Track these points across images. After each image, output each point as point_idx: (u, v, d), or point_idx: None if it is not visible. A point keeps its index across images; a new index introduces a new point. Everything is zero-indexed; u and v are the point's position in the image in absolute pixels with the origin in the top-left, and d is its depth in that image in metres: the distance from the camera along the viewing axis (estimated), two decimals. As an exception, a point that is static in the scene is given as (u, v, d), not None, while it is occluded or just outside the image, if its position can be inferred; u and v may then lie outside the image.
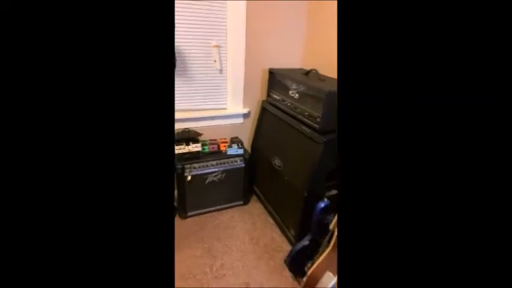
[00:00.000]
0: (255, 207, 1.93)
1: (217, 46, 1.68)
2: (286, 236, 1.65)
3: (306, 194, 1.38)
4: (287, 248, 1.59)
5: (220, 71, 1.76)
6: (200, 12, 1.56)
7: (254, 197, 2.01)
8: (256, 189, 1.98)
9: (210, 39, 1.65)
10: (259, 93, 1.91)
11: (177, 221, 1.75)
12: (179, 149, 1.64)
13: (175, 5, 1.49)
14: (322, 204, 1.16)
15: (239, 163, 1.77)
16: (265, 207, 1.89)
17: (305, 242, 1.23)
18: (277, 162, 1.66)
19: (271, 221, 1.80)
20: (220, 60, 1.72)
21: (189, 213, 1.77)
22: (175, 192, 1.74)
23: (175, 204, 1.77)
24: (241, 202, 1.91)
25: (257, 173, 1.93)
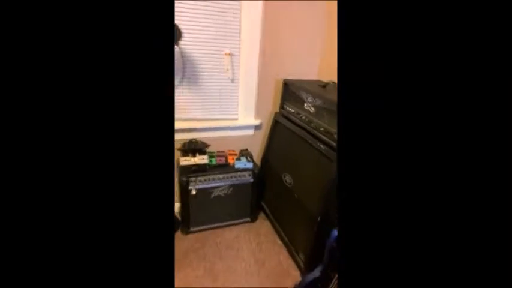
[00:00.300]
0: (262, 225, 1.81)
1: (230, 54, 1.61)
2: (295, 260, 1.51)
3: (319, 219, 1.25)
4: (294, 273, 1.46)
5: (232, 80, 1.68)
6: (213, 17, 1.50)
7: (262, 214, 1.88)
8: (264, 205, 1.87)
9: (223, 47, 1.58)
10: (272, 104, 1.82)
11: (179, 236, 1.65)
12: (185, 161, 1.55)
13: (189, 8, 1.44)
14: (337, 232, 1.04)
15: (247, 178, 1.66)
16: (273, 226, 1.76)
17: (316, 273, 1.09)
18: (288, 179, 1.55)
19: (279, 241, 1.67)
20: (233, 69, 1.65)
21: (192, 229, 1.66)
22: (178, 205, 1.65)
23: (179, 218, 1.68)
24: (248, 219, 1.79)
25: (266, 189, 1.82)
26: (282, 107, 1.71)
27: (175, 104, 1.61)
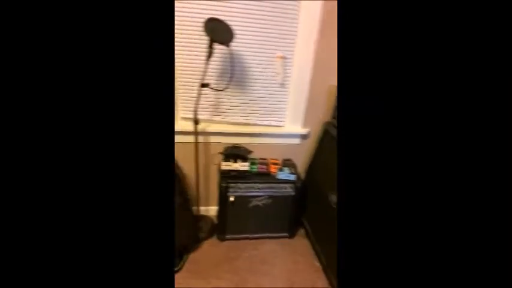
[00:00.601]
0: (300, 243, 1.67)
1: (283, 57, 1.50)
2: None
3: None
4: (333, 305, 1.30)
5: (282, 84, 1.58)
6: (268, 17, 1.42)
7: (301, 231, 1.75)
8: (305, 222, 1.72)
9: (275, 49, 1.49)
10: (323, 113, 1.67)
11: (214, 242, 1.62)
12: (226, 166, 1.50)
13: (243, 8, 1.37)
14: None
15: (289, 190, 1.54)
16: (313, 246, 1.61)
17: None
18: (333, 198, 1.39)
19: (317, 264, 1.52)
20: (284, 73, 1.55)
21: (228, 236, 1.61)
22: (216, 209, 1.61)
23: (216, 222, 1.65)
24: (286, 234, 1.68)
25: (308, 205, 1.68)
26: (334, 117, 1.55)
27: (220, 106, 1.57)
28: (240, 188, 1.50)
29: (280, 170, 1.57)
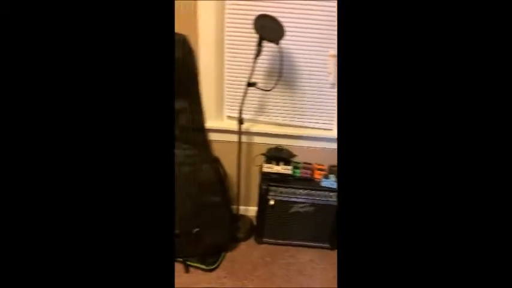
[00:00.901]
0: (342, 256, 1.55)
1: (336, 56, 1.39)
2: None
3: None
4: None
5: (334, 85, 1.47)
6: (321, 13, 1.32)
7: (344, 243, 1.62)
8: (349, 234, 1.60)
9: (328, 47, 1.38)
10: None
11: (251, 244, 1.59)
12: (267, 168, 1.46)
13: (295, 4, 1.30)
14: None
15: (333, 199, 1.44)
16: (356, 262, 1.48)
17: None
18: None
19: (360, 282, 1.39)
20: (337, 72, 1.43)
21: (265, 240, 1.57)
22: (256, 210, 1.58)
23: (254, 223, 1.62)
24: (327, 245, 1.57)
25: (354, 216, 1.55)
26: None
27: (265, 106, 1.52)
28: (281, 192, 1.45)
29: (326, 177, 1.46)
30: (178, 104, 1.36)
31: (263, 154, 1.51)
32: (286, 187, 1.44)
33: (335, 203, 1.45)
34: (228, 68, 1.46)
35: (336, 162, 1.61)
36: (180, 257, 1.41)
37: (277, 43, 1.25)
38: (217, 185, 1.41)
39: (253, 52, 1.25)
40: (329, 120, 1.56)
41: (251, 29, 1.20)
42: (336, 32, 1.35)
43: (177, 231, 1.39)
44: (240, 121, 1.40)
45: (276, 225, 1.53)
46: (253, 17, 1.18)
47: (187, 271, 1.38)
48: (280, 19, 1.22)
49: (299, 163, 1.55)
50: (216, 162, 1.45)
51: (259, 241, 1.58)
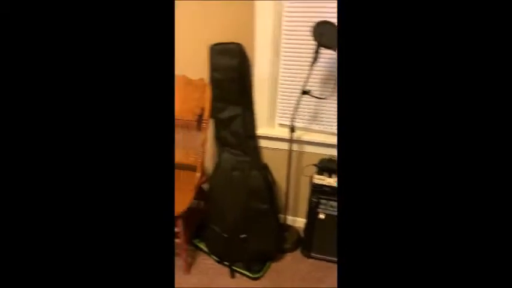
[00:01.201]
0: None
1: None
2: None
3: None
4: None
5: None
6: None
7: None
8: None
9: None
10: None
11: (298, 257, 1.53)
12: (318, 179, 1.39)
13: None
14: None
15: (392, 219, 1.29)
16: None
17: None
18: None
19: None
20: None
21: (313, 254, 1.50)
22: (304, 222, 1.52)
23: (302, 235, 1.56)
24: (382, 268, 1.42)
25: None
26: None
27: (319, 114, 1.46)
28: (332, 206, 1.36)
29: (384, 193, 1.33)
30: (232, 111, 1.40)
31: (315, 165, 1.45)
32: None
33: (394, 224, 1.30)
34: (283, 75, 1.44)
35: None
36: (227, 261, 1.43)
37: (335, 49, 1.19)
38: (266, 192, 1.40)
39: (310, 59, 1.21)
40: (390, 131, 1.42)
41: (308, 35, 1.16)
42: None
43: (225, 235, 1.42)
44: (292, 129, 1.37)
45: (326, 240, 1.44)
46: (312, 22, 1.14)
47: (233, 276, 1.39)
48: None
49: (354, 176, 1.44)
50: (265, 169, 1.45)
51: (307, 255, 1.51)
